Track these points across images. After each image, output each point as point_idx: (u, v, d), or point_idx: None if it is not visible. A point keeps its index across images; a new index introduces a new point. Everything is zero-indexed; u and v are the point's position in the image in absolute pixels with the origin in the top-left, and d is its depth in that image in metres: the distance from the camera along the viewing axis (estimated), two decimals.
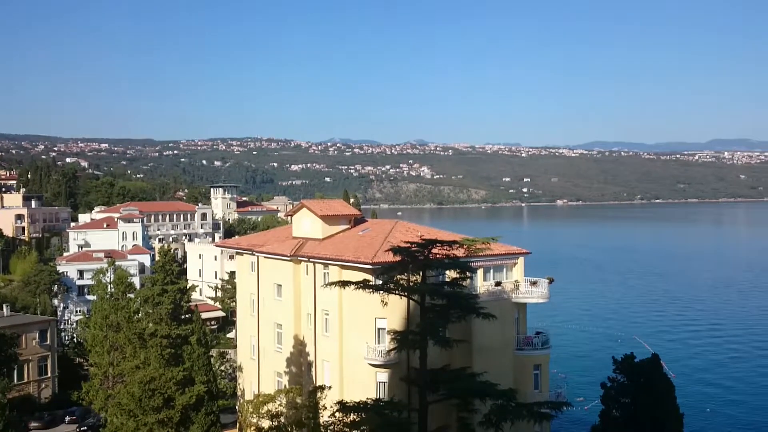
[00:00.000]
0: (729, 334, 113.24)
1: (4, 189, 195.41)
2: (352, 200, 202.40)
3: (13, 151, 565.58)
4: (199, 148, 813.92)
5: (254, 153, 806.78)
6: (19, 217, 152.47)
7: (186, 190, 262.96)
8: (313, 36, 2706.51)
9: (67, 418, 69.98)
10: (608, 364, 44.45)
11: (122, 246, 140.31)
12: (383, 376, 46.09)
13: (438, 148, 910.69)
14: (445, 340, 35.31)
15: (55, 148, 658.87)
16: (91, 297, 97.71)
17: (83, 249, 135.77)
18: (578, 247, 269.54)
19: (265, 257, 57.46)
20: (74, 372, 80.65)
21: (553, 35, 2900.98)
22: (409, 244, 36.89)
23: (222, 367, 76.33)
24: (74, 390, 64.88)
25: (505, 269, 51.71)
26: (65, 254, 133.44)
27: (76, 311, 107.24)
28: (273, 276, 56.70)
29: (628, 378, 39.25)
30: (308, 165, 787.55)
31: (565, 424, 64.64)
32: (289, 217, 68.89)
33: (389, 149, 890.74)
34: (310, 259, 52.40)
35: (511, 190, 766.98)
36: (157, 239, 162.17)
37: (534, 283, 51.14)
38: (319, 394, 44.16)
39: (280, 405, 46.60)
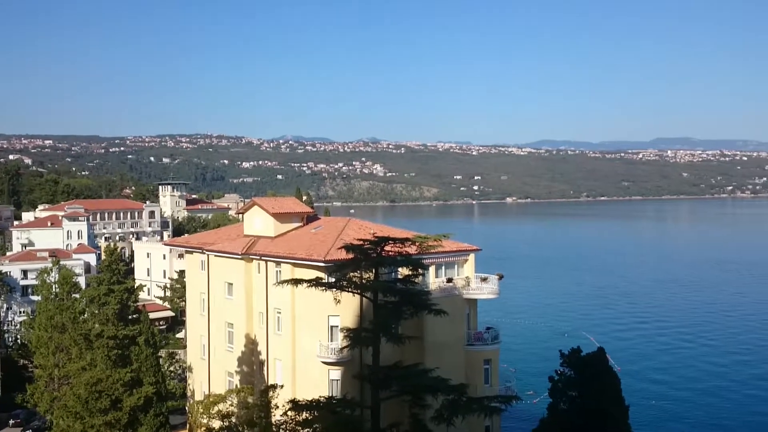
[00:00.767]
0: (672, 328, 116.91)
1: None
2: (304, 198, 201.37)
3: None
4: (146, 144, 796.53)
5: (204, 150, 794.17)
6: None
7: (133, 188, 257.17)
8: (262, 32, 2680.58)
9: (11, 422, 67.94)
10: (556, 358, 45.44)
11: (67, 245, 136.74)
12: (336, 373, 46.14)
13: (390, 146, 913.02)
14: (398, 337, 35.57)
15: None
16: (35, 297, 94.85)
17: (27, 248, 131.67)
18: (527, 243, 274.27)
19: (215, 256, 56.78)
20: (18, 374, 78.24)
21: (501, 35, 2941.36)
22: (361, 242, 37.01)
23: (171, 368, 75.11)
24: (18, 392, 62.98)
25: (456, 266, 52.35)
26: (8, 254, 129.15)
27: (20, 312, 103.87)
28: (224, 275, 56.08)
29: (575, 371, 40.16)
30: (260, 162, 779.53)
31: (514, 418, 65.79)
32: (240, 215, 68.19)
33: (342, 147, 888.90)
34: (262, 258, 52.02)
35: (462, 188, 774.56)
36: (103, 238, 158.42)
37: (484, 279, 51.90)
38: (271, 393, 43.92)
39: (231, 405, 46.15)
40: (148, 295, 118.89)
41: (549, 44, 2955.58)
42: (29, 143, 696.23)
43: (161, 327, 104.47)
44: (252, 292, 53.68)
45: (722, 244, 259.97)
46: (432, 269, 50.01)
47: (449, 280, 50.74)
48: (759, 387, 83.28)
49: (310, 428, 33.75)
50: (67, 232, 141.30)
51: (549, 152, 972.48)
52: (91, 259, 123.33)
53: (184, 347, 75.05)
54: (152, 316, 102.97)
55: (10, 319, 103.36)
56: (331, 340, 46.33)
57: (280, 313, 50.46)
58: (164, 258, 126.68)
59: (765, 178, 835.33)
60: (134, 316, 66.73)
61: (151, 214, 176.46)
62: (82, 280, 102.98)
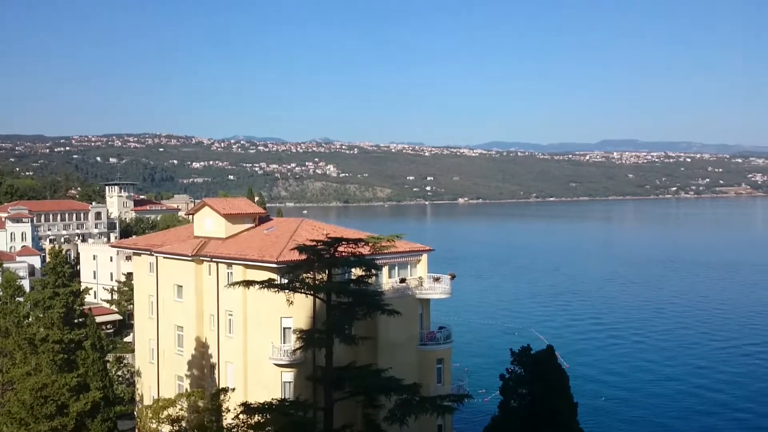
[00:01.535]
0: (619, 326, 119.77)
1: None
2: (256, 198, 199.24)
3: None
4: (93, 144, 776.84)
5: (153, 150, 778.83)
6: None
7: (79, 189, 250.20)
8: (214, 31, 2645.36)
9: None
10: (508, 357, 46.14)
11: (10, 247, 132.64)
12: (288, 375, 45.86)
13: (343, 147, 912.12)
14: (351, 338, 35.58)
15: None
16: None
17: None
18: (478, 243, 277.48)
19: (164, 257, 55.75)
20: None
21: (451, 38, 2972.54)
22: (314, 243, 36.91)
23: (119, 372, 73.49)
24: None
25: (409, 266, 52.60)
26: None
27: None
28: (173, 277, 55.11)
29: (525, 369, 40.85)
30: (211, 162, 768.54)
31: (467, 416, 66.49)
32: (190, 216, 67.10)
33: (294, 147, 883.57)
34: (213, 259, 51.32)
35: (415, 189, 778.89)
36: (47, 240, 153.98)
37: (437, 279, 52.26)
38: (222, 397, 43.38)
39: (181, 409, 45.43)
40: (95, 298, 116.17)
41: (498, 47, 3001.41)
42: None
43: (108, 331, 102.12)
44: (202, 295, 52.90)
45: (666, 244, 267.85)
46: (385, 270, 50.14)
47: (402, 281, 50.96)
48: (704, 383, 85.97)
49: (263, 431, 33.47)
50: (11, 234, 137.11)
51: (499, 154, 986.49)
52: (36, 261, 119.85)
53: (133, 351, 73.54)
54: (99, 319, 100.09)
55: None
56: (284, 342, 46.02)
57: (231, 315, 49.86)
58: (111, 260, 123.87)
59: (708, 180, 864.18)
60: (80, 319, 64.87)
61: (98, 215, 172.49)
62: (26, 283, 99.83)
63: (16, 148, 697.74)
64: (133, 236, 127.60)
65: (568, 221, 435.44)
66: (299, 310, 43.58)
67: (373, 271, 38.70)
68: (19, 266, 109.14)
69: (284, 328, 46.17)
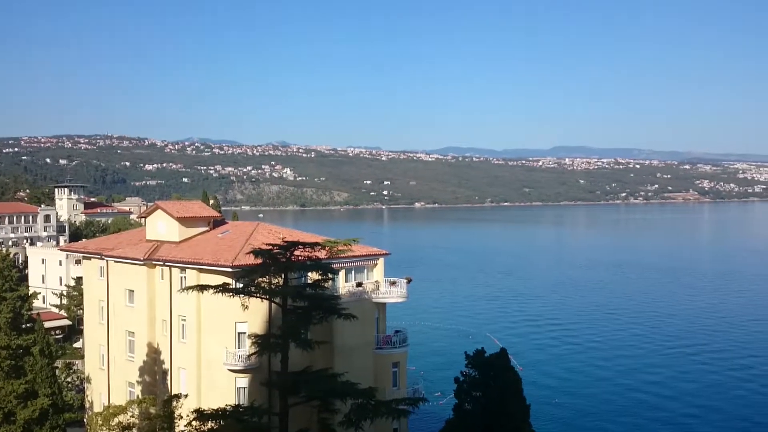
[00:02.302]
0: (571, 328, 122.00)
1: None
2: (211, 202, 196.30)
3: None
4: (42, 145, 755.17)
5: (104, 151, 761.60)
6: None
7: (28, 191, 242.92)
8: (167, 31, 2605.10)
9: None
10: (463, 360, 46.59)
11: None
12: (243, 381, 45.43)
13: (300, 150, 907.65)
14: (307, 342, 35.47)
15: None
16: None
17: None
18: (434, 247, 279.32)
19: (115, 261, 54.66)
20: None
21: (407, 44, 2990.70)
22: (270, 246, 36.70)
23: (68, 379, 71.64)
24: None
25: (365, 270, 52.68)
26: None
27: None
28: (124, 281, 54.08)
29: (479, 372, 41.29)
30: (164, 165, 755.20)
31: (422, 419, 66.81)
32: (142, 220, 66.03)
33: (251, 150, 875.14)
34: (166, 263, 50.53)
35: (372, 193, 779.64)
36: None
37: (393, 283, 52.48)
38: (174, 403, 42.75)
39: (133, 416, 44.60)
40: (43, 303, 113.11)
41: (454, 54, 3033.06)
42: None
43: (57, 336, 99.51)
44: (155, 299, 52.05)
45: (615, 248, 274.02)
46: (342, 274, 50.12)
47: (359, 285, 51.02)
48: (653, 384, 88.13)
49: None
50: None
51: (455, 159, 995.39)
52: None
53: (82, 357, 71.95)
54: (48, 324, 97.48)
55: None
56: (239, 347, 45.60)
57: (184, 320, 49.16)
58: (60, 264, 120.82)
59: (656, 186, 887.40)
60: (28, 325, 63.13)
61: (47, 218, 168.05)
62: None
63: None
64: (84, 240, 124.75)
65: (521, 226, 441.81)
66: (254, 314, 43.24)
67: (330, 275, 38.68)
68: None
69: (239, 333, 45.75)
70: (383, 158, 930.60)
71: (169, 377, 50.43)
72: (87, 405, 60.32)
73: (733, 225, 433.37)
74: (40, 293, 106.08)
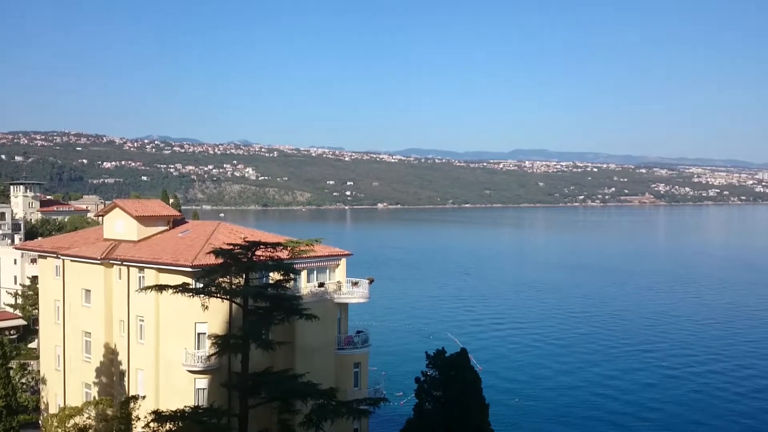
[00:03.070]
0: (530, 328, 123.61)
1: None
2: (171, 200, 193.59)
3: None
4: None
5: (61, 148, 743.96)
6: None
7: None
8: (126, 26, 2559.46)
9: None
10: (424, 360, 46.89)
11: None
12: (202, 382, 44.99)
13: (263, 150, 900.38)
14: (268, 343, 35.35)
15: None
16: None
17: None
18: (397, 248, 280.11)
19: (72, 261, 53.61)
20: None
21: (369, 45, 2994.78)
22: (231, 246, 36.47)
23: (23, 380, 69.89)
24: None
25: (328, 270, 52.66)
26: None
27: None
28: (81, 281, 53.06)
29: (440, 372, 41.62)
30: (123, 162, 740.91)
31: (383, 419, 67.01)
32: (100, 218, 64.93)
33: (212, 149, 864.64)
34: (124, 263, 49.76)
35: (335, 193, 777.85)
36: None
37: (355, 284, 52.57)
38: (132, 405, 42.16)
39: (89, 418, 43.83)
40: None
41: (417, 56, 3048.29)
42: None
43: (11, 336, 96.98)
44: (112, 300, 51.20)
45: (574, 250, 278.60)
46: (304, 274, 50.03)
47: (321, 285, 50.97)
48: (611, 382, 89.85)
49: None
50: None
51: (418, 160, 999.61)
52: None
53: (37, 358, 70.39)
54: (2, 324, 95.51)
55: None
56: (198, 348, 45.14)
57: (142, 320, 48.47)
58: (15, 263, 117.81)
59: (613, 189, 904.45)
60: None
61: (1, 216, 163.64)
62: None
63: None
64: (39, 238, 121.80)
65: (482, 227, 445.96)
66: (215, 315, 42.89)
67: (292, 276, 38.61)
68: None
69: (198, 334, 45.30)
70: (346, 159, 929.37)
71: (126, 378, 49.69)
72: (42, 406, 59.09)
73: (687, 228, 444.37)
74: None
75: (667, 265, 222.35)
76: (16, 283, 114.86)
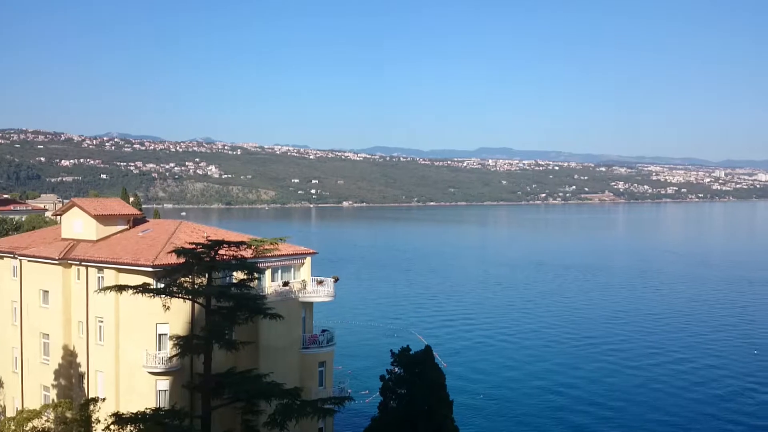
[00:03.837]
0: (494, 325, 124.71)
1: None
2: (131, 199, 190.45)
3: None
4: None
5: (18, 146, 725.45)
6: None
7: None
8: (85, 21, 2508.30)
9: None
10: (389, 358, 46.96)
11: None
12: (164, 384, 44.34)
13: (226, 147, 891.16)
14: (231, 343, 35.04)
15: None
16: None
17: None
18: (362, 246, 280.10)
19: (29, 261, 52.35)
20: None
21: (336, 44, 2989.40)
22: (194, 245, 36.03)
23: None
24: None
25: (293, 269, 52.38)
26: None
27: None
28: (39, 281, 51.84)
29: (405, 370, 41.79)
30: (81, 160, 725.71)
31: (348, 418, 66.96)
32: (58, 217, 63.57)
33: (174, 146, 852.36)
34: (82, 263, 48.74)
35: (300, 191, 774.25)
36: None
37: (320, 282, 52.38)
38: (91, 407, 41.37)
39: (48, 421, 42.88)
40: None
41: (381, 55, 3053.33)
42: None
43: None
44: (71, 300, 50.15)
45: (536, 247, 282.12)
46: (268, 273, 49.65)
47: (285, 284, 50.66)
48: (573, 380, 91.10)
49: None
50: None
51: (383, 158, 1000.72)
52: None
53: None
54: None
55: None
56: (159, 349, 44.48)
57: (102, 322, 47.56)
58: None
59: (574, 187, 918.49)
60: None
61: None
62: None
63: None
64: None
65: (446, 225, 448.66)
66: (176, 315, 42.31)
67: (256, 275, 38.30)
68: None
69: (160, 335, 44.64)
70: (311, 157, 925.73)
71: (86, 380, 48.74)
72: None
73: (646, 226, 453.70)
74: None
75: (627, 262, 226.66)
76: None
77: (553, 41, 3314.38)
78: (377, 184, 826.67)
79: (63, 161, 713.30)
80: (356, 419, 67.75)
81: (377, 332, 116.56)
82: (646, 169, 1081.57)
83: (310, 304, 52.57)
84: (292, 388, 35.05)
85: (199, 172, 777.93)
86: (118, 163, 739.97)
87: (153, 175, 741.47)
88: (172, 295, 35.12)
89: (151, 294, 35.33)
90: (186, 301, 37.24)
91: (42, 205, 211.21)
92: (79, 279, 49.58)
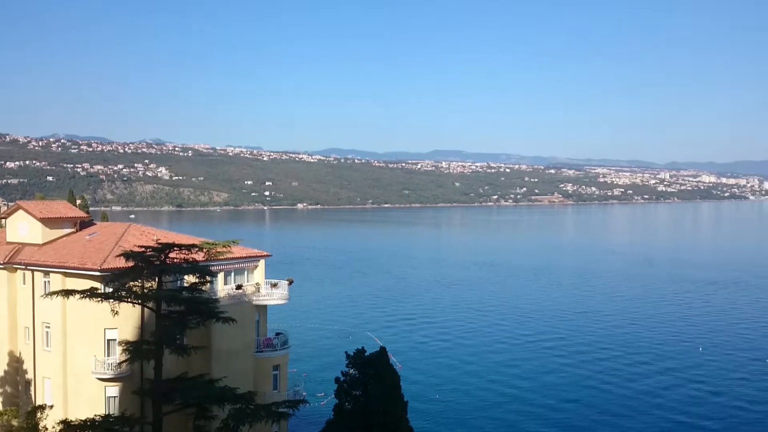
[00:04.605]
0: (448, 325, 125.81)
1: None
2: (79, 202, 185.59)
3: None
4: None
5: None
6: None
7: None
8: (29, 21, 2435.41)
9: None
10: (345, 360, 46.94)
11: None
12: (113, 390, 43.43)
13: (177, 149, 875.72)
14: (183, 348, 34.59)
15: None
16: None
17: None
18: (317, 248, 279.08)
19: None
20: None
21: (288, 39, 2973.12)
22: (143, 249, 35.44)
23: None
24: None
25: (246, 272, 51.91)
26: None
27: None
28: None
29: (359, 371, 41.86)
30: (27, 162, 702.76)
31: (303, 421, 66.65)
32: (2, 221, 61.71)
33: (122, 147, 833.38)
34: (28, 267, 47.43)
35: (253, 193, 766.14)
36: None
37: (274, 285, 52.06)
38: (39, 415, 40.29)
39: None
40: None
41: (336, 56, 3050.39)
42: None
43: None
44: (16, 306, 48.75)
45: (487, 248, 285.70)
46: (221, 276, 49.10)
47: (239, 287, 50.17)
48: (520, 377, 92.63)
49: None
50: None
51: (337, 160, 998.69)
52: None
53: None
54: None
55: None
56: (108, 355, 43.55)
57: (49, 327, 46.31)
58: None
59: (525, 189, 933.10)
60: None
61: None
62: None
63: None
64: None
65: (400, 227, 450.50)
66: (126, 320, 41.50)
67: (208, 278, 37.88)
68: None
69: (109, 340, 43.71)
70: (265, 158, 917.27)
71: (33, 388, 47.45)
72: None
73: (593, 226, 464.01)
74: None
75: (575, 262, 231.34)
76: None
77: (502, 45, 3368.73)
78: (332, 186, 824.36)
79: (8, 163, 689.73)
80: (311, 422, 67.49)
81: (332, 334, 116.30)
82: (593, 171, 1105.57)
83: (264, 307, 52.19)
84: (246, 393, 34.80)
85: (149, 173, 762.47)
86: (65, 165, 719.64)
87: (101, 177, 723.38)
88: (120, 299, 34.51)
89: (99, 299, 34.65)
90: (135, 305, 36.57)
91: None
92: (24, 284, 48.29)
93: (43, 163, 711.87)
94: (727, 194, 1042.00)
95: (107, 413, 38.77)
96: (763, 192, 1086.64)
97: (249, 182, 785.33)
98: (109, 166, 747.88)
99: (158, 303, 34.66)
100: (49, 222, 50.36)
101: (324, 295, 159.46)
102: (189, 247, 36.64)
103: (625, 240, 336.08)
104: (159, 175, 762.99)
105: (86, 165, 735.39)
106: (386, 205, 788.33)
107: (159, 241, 37.25)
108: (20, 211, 51.51)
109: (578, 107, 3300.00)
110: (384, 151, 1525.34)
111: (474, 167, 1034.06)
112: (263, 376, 49.77)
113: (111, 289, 35.86)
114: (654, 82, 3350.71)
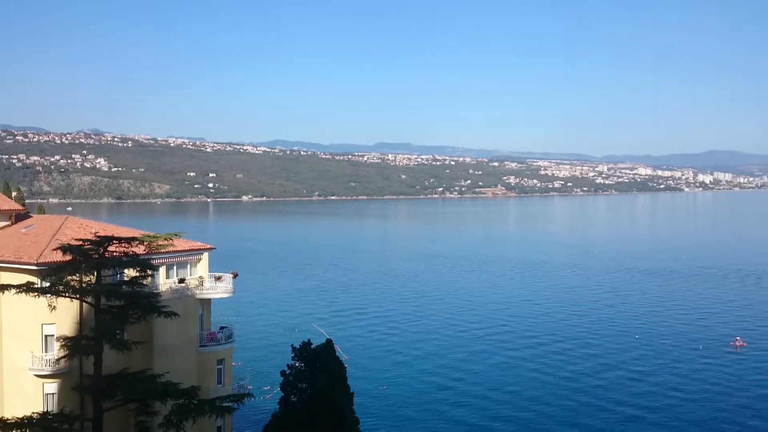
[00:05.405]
0: (394, 317, 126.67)
1: None
2: (14, 194, 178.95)
3: None
4: None
5: None
6: None
7: None
8: None
9: None
10: (291, 353, 46.76)
11: None
12: (52, 387, 42.25)
13: (116, 139, 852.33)
14: (123, 343, 33.95)
15: None
16: None
17: None
18: (262, 241, 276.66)
19: None
20: None
21: (235, 31, 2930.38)
22: (81, 242, 34.57)
23: None
24: None
25: (189, 265, 51.08)
26: None
27: None
28: None
29: (306, 364, 41.87)
30: None
31: (249, 415, 66.22)
32: None
33: (59, 138, 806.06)
34: None
35: (196, 185, 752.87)
36: None
37: (219, 278, 51.39)
38: None
39: None
40: None
41: (282, 47, 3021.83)
42: None
43: None
44: None
45: (433, 240, 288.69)
46: (162, 270, 48.17)
47: (181, 281, 49.35)
48: (469, 368, 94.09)
49: None
50: None
51: (283, 152, 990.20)
52: None
53: None
54: None
55: None
56: (46, 351, 42.31)
57: None
58: None
59: (469, 181, 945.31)
60: None
61: None
62: None
63: None
64: None
65: (347, 219, 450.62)
66: (63, 315, 40.38)
67: (149, 272, 37.20)
68: None
69: (46, 336, 42.46)
70: (208, 150, 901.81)
71: None
72: None
73: (534, 218, 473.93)
74: None
75: (516, 253, 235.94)
76: None
77: (447, 39, 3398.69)
78: (278, 179, 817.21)
79: None
80: (257, 416, 67.11)
81: (278, 327, 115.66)
82: (535, 164, 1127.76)
83: (208, 300, 51.52)
84: (189, 388, 34.38)
85: (87, 165, 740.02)
86: (0, 156, 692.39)
87: (37, 168, 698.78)
88: (58, 294, 33.60)
89: (36, 293, 33.64)
90: (73, 300, 35.63)
91: None
92: None
93: None
94: (662, 186, 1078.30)
95: (46, 410, 37.76)
96: (698, 184, 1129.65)
97: (192, 174, 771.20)
98: (46, 157, 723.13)
99: (97, 297, 33.89)
100: None
101: (270, 287, 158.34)
102: (129, 240, 35.91)
103: (564, 231, 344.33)
104: (98, 166, 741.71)
105: (22, 156, 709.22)
106: (333, 197, 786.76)
107: (98, 234, 36.37)
108: None
109: (521, 103, 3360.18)
110: (330, 143, 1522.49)
111: (420, 160, 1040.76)
112: (207, 371, 49.16)
113: (48, 284, 34.86)
114: (593, 78, 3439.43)
